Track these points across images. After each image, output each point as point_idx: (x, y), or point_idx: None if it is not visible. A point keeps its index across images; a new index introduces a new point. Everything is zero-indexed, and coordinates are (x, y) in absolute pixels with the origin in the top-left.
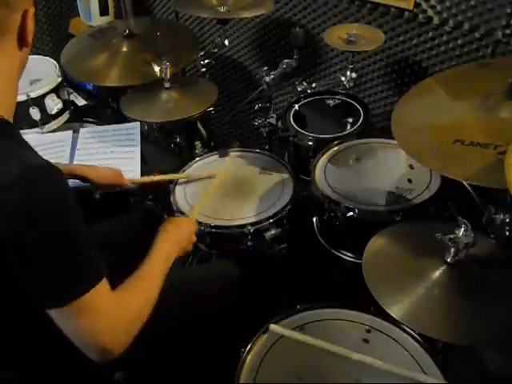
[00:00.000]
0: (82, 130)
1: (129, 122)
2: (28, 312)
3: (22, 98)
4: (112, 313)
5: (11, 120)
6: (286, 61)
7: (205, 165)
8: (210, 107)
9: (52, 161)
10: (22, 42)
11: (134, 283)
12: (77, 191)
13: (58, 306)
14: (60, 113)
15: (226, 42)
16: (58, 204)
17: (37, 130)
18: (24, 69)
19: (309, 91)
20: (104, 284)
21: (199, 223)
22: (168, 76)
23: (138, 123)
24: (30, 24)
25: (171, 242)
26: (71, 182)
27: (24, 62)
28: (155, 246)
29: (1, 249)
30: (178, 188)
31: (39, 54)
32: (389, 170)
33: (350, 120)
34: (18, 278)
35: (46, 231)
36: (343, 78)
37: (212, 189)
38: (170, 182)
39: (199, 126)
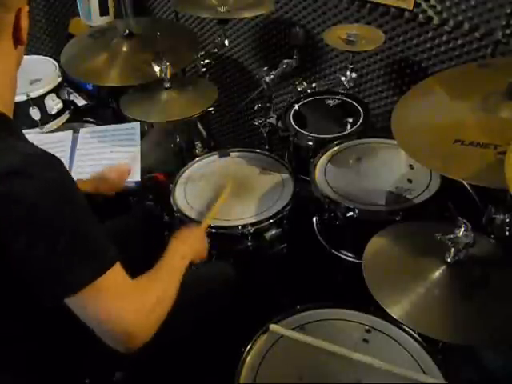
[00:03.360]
0: (81, 129)
1: (129, 121)
2: (28, 312)
3: (21, 98)
4: (131, 297)
5: (11, 117)
6: (286, 61)
7: (205, 165)
8: (210, 107)
9: None
10: (17, 40)
11: (151, 274)
12: None
13: (73, 292)
14: (60, 113)
15: (226, 42)
16: (60, 187)
17: (37, 130)
18: (19, 66)
19: (309, 91)
20: (119, 267)
21: (199, 224)
22: (168, 76)
23: (138, 123)
24: (25, 22)
25: (185, 243)
26: None
27: (20, 59)
28: (170, 246)
29: (6, 239)
30: (178, 188)
31: (39, 54)
32: (389, 170)
33: (350, 120)
34: (25, 269)
35: (50, 216)
36: (343, 78)
37: (224, 198)
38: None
39: (199, 126)
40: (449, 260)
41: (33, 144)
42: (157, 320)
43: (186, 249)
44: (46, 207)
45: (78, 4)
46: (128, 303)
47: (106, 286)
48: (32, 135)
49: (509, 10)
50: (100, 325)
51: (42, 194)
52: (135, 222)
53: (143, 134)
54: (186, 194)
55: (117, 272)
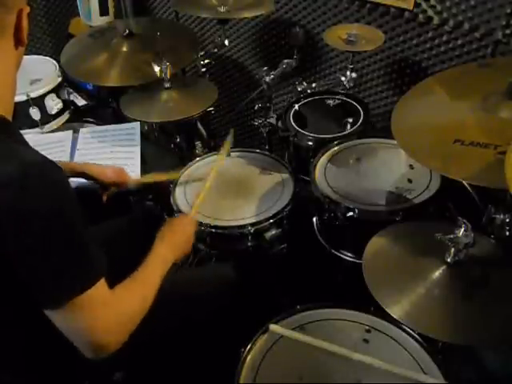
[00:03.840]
0: (81, 129)
1: (129, 121)
2: (27, 312)
3: (21, 98)
4: (109, 311)
5: (10, 119)
6: (286, 61)
7: (205, 165)
8: (210, 107)
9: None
10: (17, 41)
11: (131, 284)
12: (79, 191)
13: (57, 306)
14: (60, 113)
15: (226, 42)
16: (57, 201)
17: (37, 130)
18: (19, 68)
19: (309, 91)
20: (102, 282)
21: (199, 223)
22: (168, 76)
23: (138, 123)
24: (25, 23)
25: (168, 246)
26: (75, 181)
27: (20, 61)
28: (152, 250)
29: (1, 248)
30: (178, 188)
31: (39, 54)
32: (389, 170)
33: (350, 120)
34: (18, 276)
35: (44, 230)
36: (343, 78)
37: (208, 185)
38: (171, 181)
39: (199, 126)
40: (449, 260)
41: (31, 148)
42: (129, 331)
43: (167, 253)
44: (40, 218)
45: (78, 4)
46: (104, 317)
47: (86, 301)
48: (32, 135)
49: (509, 10)
50: (73, 334)
51: (36, 205)
52: (135, 222)
53: (143, 134)
54: (186, 194)
55: (99, 287)
